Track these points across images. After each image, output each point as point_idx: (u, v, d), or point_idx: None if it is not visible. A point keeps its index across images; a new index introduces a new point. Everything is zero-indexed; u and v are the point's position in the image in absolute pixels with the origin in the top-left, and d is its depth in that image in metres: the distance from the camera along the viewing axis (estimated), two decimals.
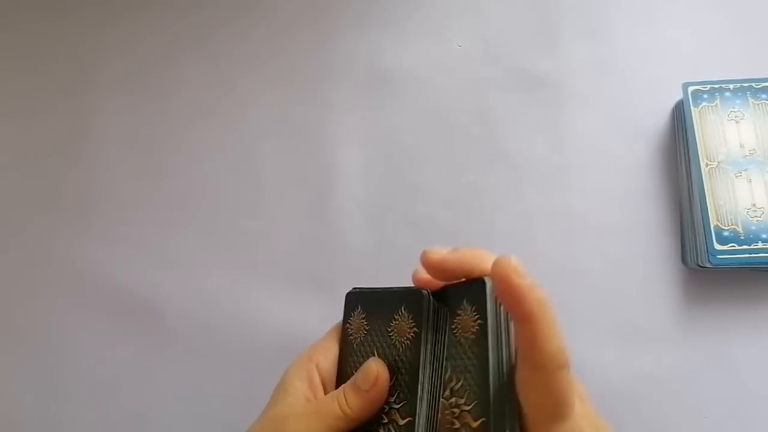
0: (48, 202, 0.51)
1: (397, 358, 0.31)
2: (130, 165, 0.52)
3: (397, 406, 0.30)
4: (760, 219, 0.43)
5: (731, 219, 0.43)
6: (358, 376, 0.31)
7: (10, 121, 0.53)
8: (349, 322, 0.34)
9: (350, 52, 0.53)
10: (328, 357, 0.34)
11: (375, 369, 0.31)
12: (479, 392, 0.26)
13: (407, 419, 0.30)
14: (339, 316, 0.35)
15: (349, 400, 0.30)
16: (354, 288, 0.35)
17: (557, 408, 0.25)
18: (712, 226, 0.43)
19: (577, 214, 0.48)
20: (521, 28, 0.53)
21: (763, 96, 0.46)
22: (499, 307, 0.27)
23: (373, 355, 0.32)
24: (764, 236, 0.42)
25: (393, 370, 0.31)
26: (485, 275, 0.28)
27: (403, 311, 0.32)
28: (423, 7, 0.54)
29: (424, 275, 0.31)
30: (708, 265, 0.43)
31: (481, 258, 0.28)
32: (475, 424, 0.26)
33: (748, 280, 0.46)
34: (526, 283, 0.24)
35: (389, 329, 0.32)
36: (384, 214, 0.49)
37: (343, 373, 0.33)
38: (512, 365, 0.26)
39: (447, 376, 0.28)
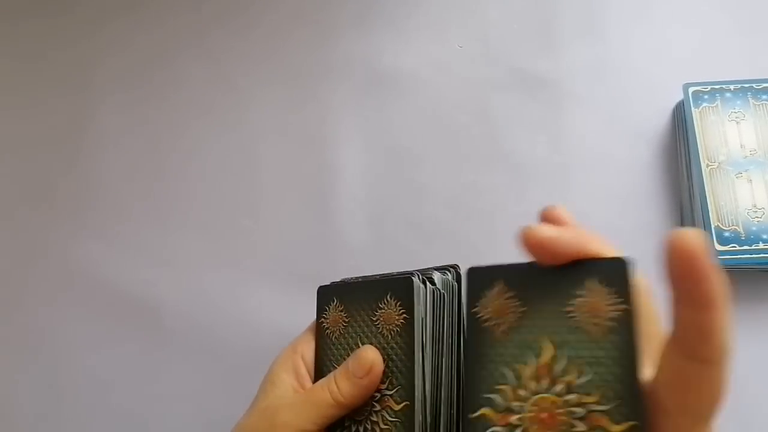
0: (45, 201, 0.51)
1: (386, 345, 0.31)
2: (128, 163, 0.51)
3: (391, 392, 0.30)
4: (760, 220, 0.43)
5: (732, 219, 0.43)
6: (351, 364, 0.31)
7: (7, 118, 0.53)
8: (324, 317, 0.34)
9: (350, 51, 0.53)
10: (312, 347, 0.34)
11: (370, 356, 0.31)
12: (623, 391, 0.22)
13: (404, 403, 0.30)
14: None
15: (341, 388, 0.30)
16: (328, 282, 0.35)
17: (711, 408, 0.21)
18: (712, 226, 0.43)
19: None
20: (522, 28, 0.53)
21: (764, 97, 0.46)
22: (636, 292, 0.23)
23: (357, 346, 0.32)
24: (765, 237, 0.42)
25: (383, 357, 0.31)
26: (601, 255, 0.24)
27: (389, 299, 0.32)
28: (423, 7, 0.54)
29: (549, 232, 0.25)
30: None
31: (592, 239, 0.25)
32: (618, 428, 0.22)
33: (748, 280, 0.46)
34: (711, 264, 0.20)
35: (374, 318, 0.32)
36: (384, 214, 0.49)
37: (322, 367, 0.33)
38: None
39: (558, 368, 0.23)
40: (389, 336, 0.31)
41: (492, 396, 0.24)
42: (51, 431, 0.46)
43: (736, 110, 0.46)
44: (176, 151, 0.52)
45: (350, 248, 0.49)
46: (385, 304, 0.32)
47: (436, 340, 0.31)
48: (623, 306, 0.23)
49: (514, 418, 0.24)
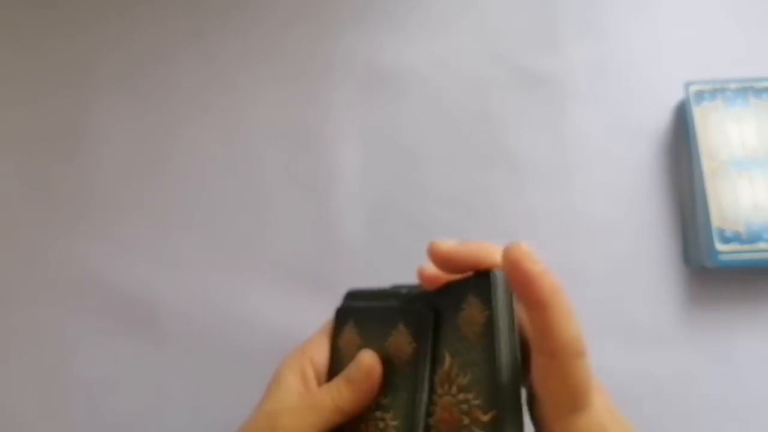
0: (43, 200, 0.51)
1: (393, 366, 0.31)
2: (127, 162, 0.51)
3: (389, 404, 0.30)
4: (762, 218, 0.43)
5: (733, 219, 0.43)
6: (351, 368, 0.31)
7: (4, 116, 0.53)
8: (339, 336, 0.34)
9: (351, 50, 0.53)
10: (322, 351, 0.34)
11: (368, 360, 0.31)
12: (490, 385, 0.25)
13: (397, 421, 0.30)
14: None
15: (342, 393, 0.31)
16: (346, 296, 0.35)
17: (575, 398, 0.24)
18: (714, 225, 0.43)
19: (579, 213, 0.48)
20: (523, 26, 0.53)
21: (765, 95, 0.46)
22: (508, 297, 0.27)
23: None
24: (766, 236, 0.42)
25: (387, 371, 0.31)
26: (492, 268, 0.27)
27: (402, 327, 0.31)
28: (424, 5, 0.54)
29: (430, 271, 0.30)
30: (710, 265, 0.43)
31: (490, 251, 0.28)
32: (486, 418, 0.25)
33: (749, 279, 0.46)
34: (538, 269, 0.24)
35: (386, 344, 0.32)
36: (384, 213, 0.49)
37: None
38: (520, 356, 0.26)
39: (453, 373, 0.27)
40: (397, 364, 0.31)
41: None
42: (51, 431, 0.46)
43: (738, 109, 0.46)
44: (175, 150, 0.51)
45: (350, 248, 0.48)
46: (396, 331, 0.32)
47: (437, 357, 0.31)
48: (487, 312, 0.26)
49: (431, 420, 0.28)
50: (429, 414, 0.28)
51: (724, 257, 0.42)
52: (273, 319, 0.47)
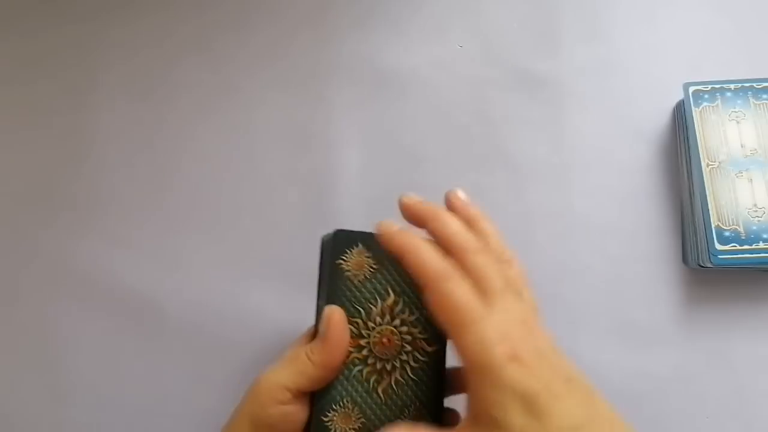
0: (47, 202, 0.51)
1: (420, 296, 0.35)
2: (132, 167, 0.52)
3: (423, 336, 0.34)
4: (761, 219, 0.43)
5: (732, 219, 0.43)
6: (321, 324, 0.33)
7: (13, 123, 0.53)
8: (343, 259, 0.35)
9: (352, 52, 0.53)
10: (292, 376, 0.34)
11: (327, 312, 0.33)
12: (435, 325, 0.31)
13: (435, 347, 0.34)
14: None
15: (314, 349, 0.33)
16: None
17: (454, 315, 0.28)
18: (713, 226, 0.43)
19: (578, 214, 0.48)
20: (522, 28, 0.53)
21: (765, 96, 0.46)
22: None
23: (386, 293, 0.34)
24: (765, 236, 0.42)
25: (419, 306, 0.34)
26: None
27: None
28: (424, 7, 0.54)
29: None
30: (709, 265, 0.43)
31: (431, 215, 0.33)
32: (431, 349, 0.33)
33: (749, 280, 0.46)
34: (392, 230, 0.31)
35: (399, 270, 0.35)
36: (384, 213, 0.48)
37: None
38: None
39: (397, 309, 0.34)
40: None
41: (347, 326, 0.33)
42: (51, 431, 0.46)
43: (737, 110, 0.46)
44: (178, 153, 0.52)
45: None
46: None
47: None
48: None
49: (363, 341, 0.33)
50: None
51: (722, 257, 0.42)
52: (274, 317, 0.47)
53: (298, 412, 0.33)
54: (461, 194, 0.36)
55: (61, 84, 0.54)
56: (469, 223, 0.33)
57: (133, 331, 0.48)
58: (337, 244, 0.35)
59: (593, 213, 0.48)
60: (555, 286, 0.47)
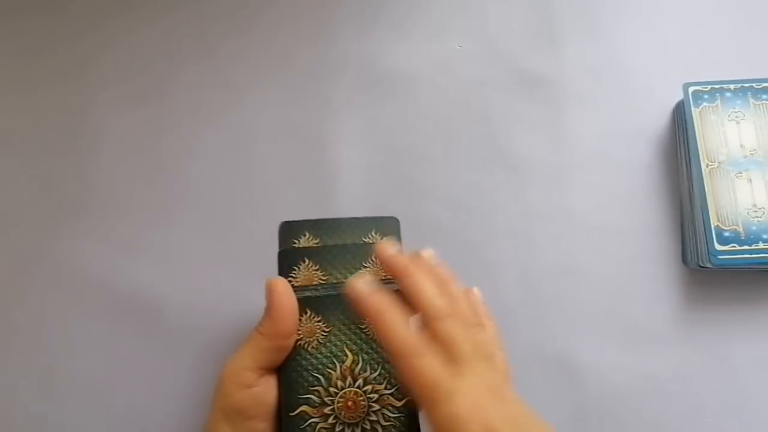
0: (43, 200, 0.51)
1: (377, 348, 0.35)
2: (127, 162, 0.51)
3: (390, 391, 0.34)
4: (760, 219, 0.43)
5: (732, 219, 0.43)
6: (265, 296, 0.34)
7: (5, 118, 0.53)
8: (292, 276, 0.37)
9: (350, 51, 0.53)
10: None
11: (270, 283, 0.34)
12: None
13: (405, 399, 0.33)
14: None
15: (262, 321, 0.34)
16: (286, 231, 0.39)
17: (421, 391, 0.28)
18: (712, 226, 0.43)
19: (578, 214, 0.48)
20: (521, 28, 0.53)
21: (764, 96, 0.46)
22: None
23: (343, 354, 0.34)
24: (765, 237, 0.42)
25: (377, 359, 0.34)
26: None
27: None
28: (423, 6, 0.54)
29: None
30: (709, 266, 0.43)
31: (404, 272, 0.33)
32: (399, 403, 0.33)
33: (748, 280, 0.46)
34: (365, 292, 0.31)
35: (362, 326, 0.35)
36: (384, 213, 0.49)
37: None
38: None
39: (358, 369, 0.33)
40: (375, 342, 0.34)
41: (308, 396, 0.33)
42: (52, 430, 0.46)
43: (736, 110, 0.46)
44: (175, 150, 0.52)
45: None
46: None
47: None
48: None
49: (327, 410, 0.32)
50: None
51: (722, 258, 0.42)
52: None
53: (266, 393, 0.33)
54: (433, 254, 0.36)
55: (53, 79, 0.53)
56: (440, 284, 0.33)
57: (132, 331, 0.48)
58: (283, 262, 0.36)
59: (593, 213, 0.48)
60: (555, 286, 0.47)
